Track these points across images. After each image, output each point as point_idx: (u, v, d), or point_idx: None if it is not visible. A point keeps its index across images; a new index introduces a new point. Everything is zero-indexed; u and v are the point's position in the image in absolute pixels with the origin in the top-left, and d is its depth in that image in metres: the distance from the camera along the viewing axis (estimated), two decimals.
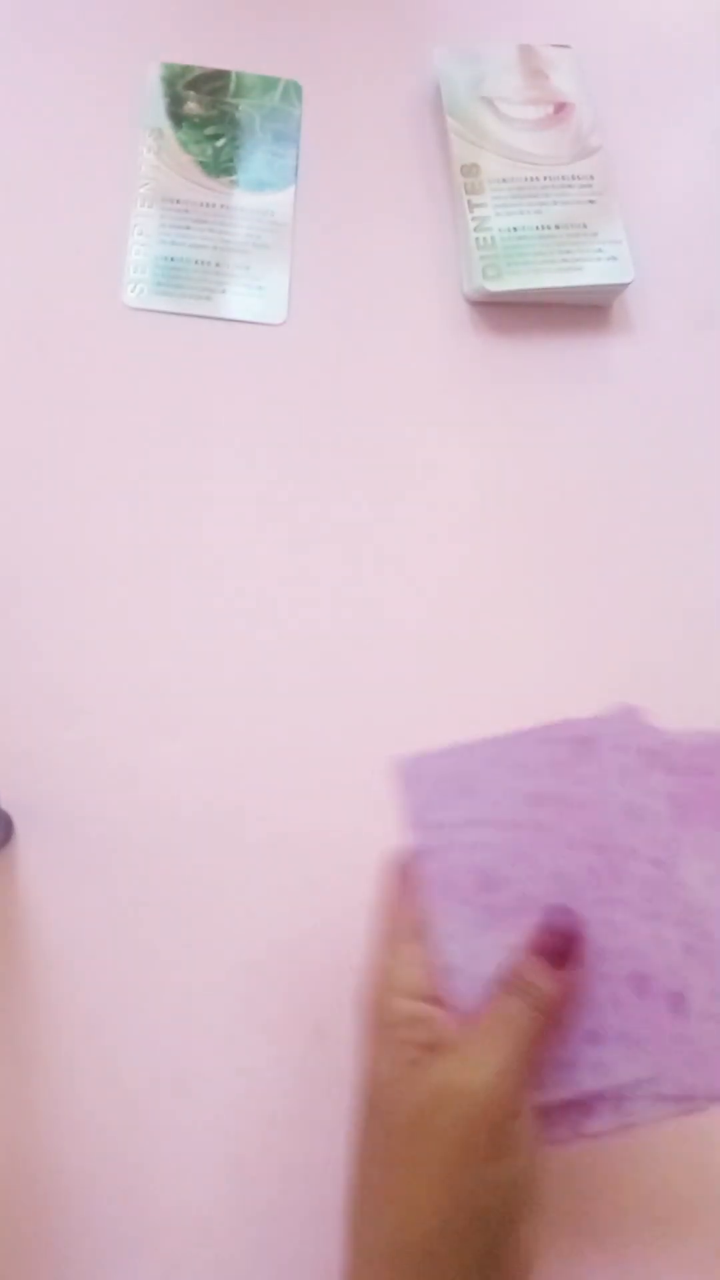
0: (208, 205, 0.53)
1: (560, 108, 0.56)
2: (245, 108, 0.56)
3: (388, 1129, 0.30)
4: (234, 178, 0.54)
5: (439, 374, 0.51)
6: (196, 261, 0.52)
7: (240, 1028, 0.40)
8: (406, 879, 0.34)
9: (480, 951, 0.32)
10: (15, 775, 0.42)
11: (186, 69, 0.56)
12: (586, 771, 0.34)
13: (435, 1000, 0.32)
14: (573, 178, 0.54)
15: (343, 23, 0.58)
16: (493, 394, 0.51)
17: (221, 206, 0.53)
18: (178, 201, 0.53)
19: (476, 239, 0.52)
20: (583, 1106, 0.31)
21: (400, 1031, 0.31)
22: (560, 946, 0.32)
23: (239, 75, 0.56)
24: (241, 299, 0.52)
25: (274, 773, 0.44)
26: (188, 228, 0.53)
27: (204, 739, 0.44)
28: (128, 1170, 0.38)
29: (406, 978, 0.32)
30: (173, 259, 0.52)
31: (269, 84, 0.56)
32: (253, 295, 0.52)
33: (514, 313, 0.53)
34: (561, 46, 0.57)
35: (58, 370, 0.49)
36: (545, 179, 0.54)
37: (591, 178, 0.54)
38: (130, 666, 0.45)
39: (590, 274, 0.52)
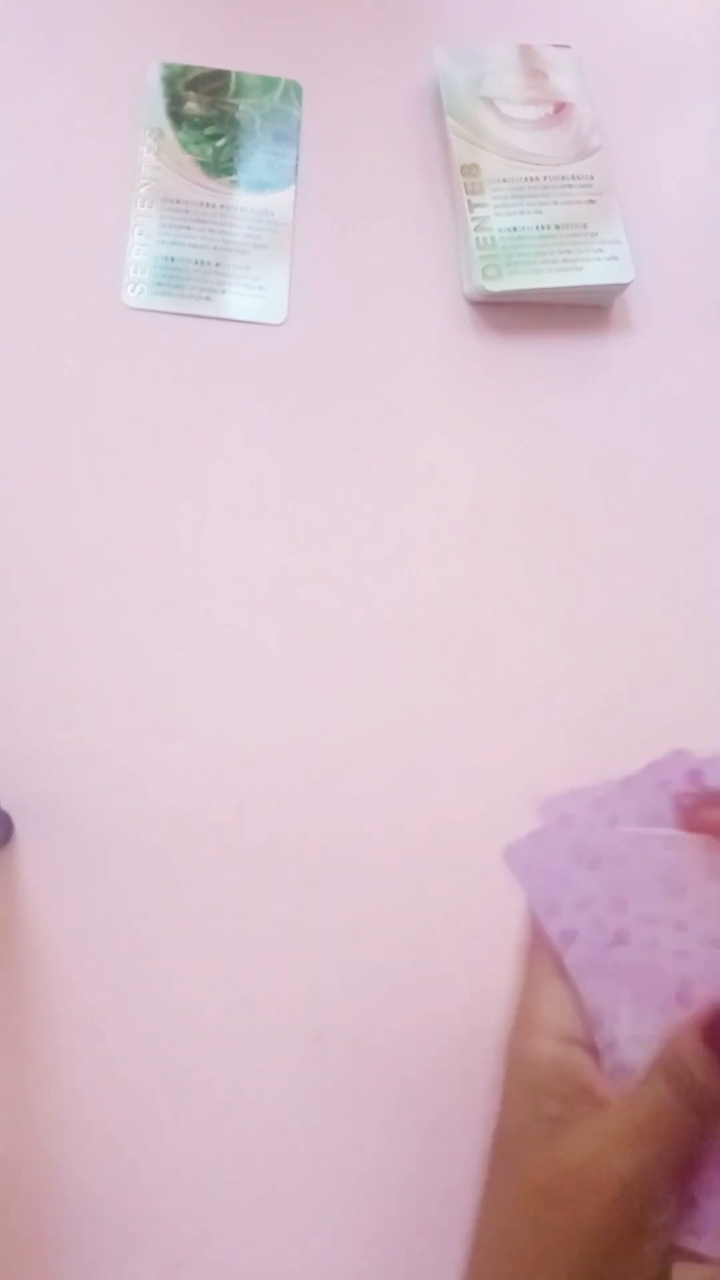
0: (208, 205, 0.53)
1: (560, 108, 0.56)
2: (245, 108, 0.56)
3: (517, 1189, 0.28)
4: (234, 178, 0.54)
5: (439, 374, 0.51)
6: (196, 261, 0.52)
7: (240, 1028, 0.40)
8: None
9: (644, 1028, 0.29)
10: (15, 775, 0.42)
11: (186, 69, 0.56)
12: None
13: (582, 1044, 0.29)
14: (573, 178, 0.54)
15: (343, 23, 0.58)
16: (493, 394, 0.51)
17: (221, 206, 0.53)
18: (178, 201, 0.53)
19: (476, 239, 0.52)
20: None
21: (541, 1078, 0.28)
22: None
23: (239, 75, 0.56)
24: (241, 299, 0.52)
25: (274, 773, 0.44)
26: (188, 228, 0.53)
27: (204, 739, 0.44)
28: (128, 1170, 0.38)
29: (552, 1016, 0.29)
30: (173, 259, 0.52)
31: (269, 84, 0.56)
32: (253, 295, 0.52)
33: (514, 313, 0.53)
34: (561, 46, 0.57)
35: (58, 370, 0.49)
36: (545, 179, 0.54)
37: (591, 178, 0.54)
38: (130, 667, 0.45)
39: (590, 274, 0.52)
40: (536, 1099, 0.28)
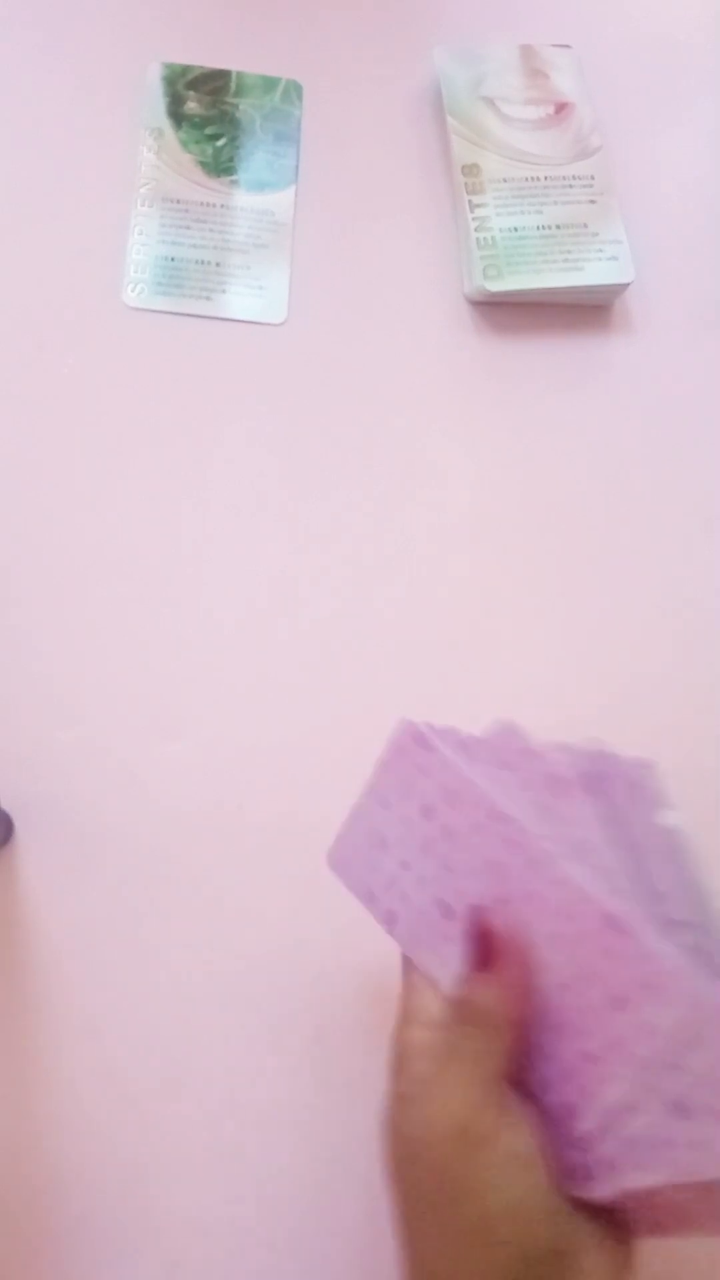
0: (208, 205, 0.53)
1: (560, 108, 0.56)
2: (245, 108, 0.56)
3: (386, 1168, 0.29)
4: (234, 178, 0.54)
5: (439, 374, 0.51)
6: (197, 261, 0.52)
7: (240, 1028, 0.40)
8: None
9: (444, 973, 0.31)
10: (15, 775, 0.42)
11: (186, 69, 0.56)
12: (428, 761, 0.33)
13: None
14: (573, 178, 0.54)
15: (343, 23, 0.58)
16: (493, 394, 0.51)
17: (222, 206, 0.53)
18: (178, 201, 0.53)
19: (477, 239, 0.52)
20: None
21: (406, 1061, 0.30)
22: (482, 948, 0.30)
23: (239, 75, 0.56)
24: (241, 299, 0.52)
25: (274, 773, 0.44)
26: (188, 228, 0.53)
27: (204, 739, 0.44)
28: (128, 1170, 0.38)
29: (419, 1005, 0.31)
30: (173, 259, 0.52)
31: (269, 84, 0.56)
32: (253, 295, 0.52)
33: (514, 313, 0.53)
34: (561, 46, 0.57)
35: (58, 370, 0.49)
36: (545, 179, 0.54)
37: (591, 178, 0.54)
38: (130, 667, 0.45)
39: (591, 274, 0.52)
40: (395, 1080, 0.30)
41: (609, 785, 0.34)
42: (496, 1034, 0.29)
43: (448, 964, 0.31)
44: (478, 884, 0.31)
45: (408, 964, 0.33)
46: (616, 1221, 0.28)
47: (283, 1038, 0.40)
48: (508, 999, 0.29)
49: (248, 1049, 0.40)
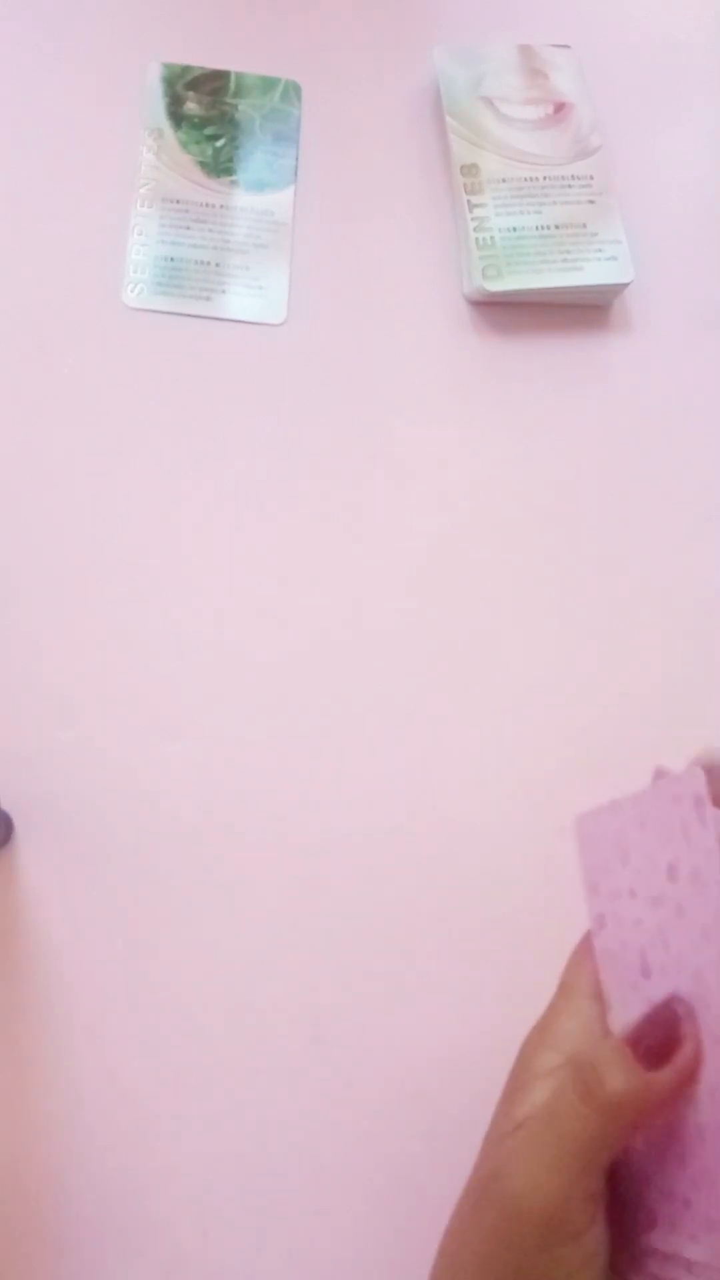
0: (208, 205, 0.53)
1: (560, 108, 0.56)
2: (245, 108, 0.56)
3: (468, 1182, 0.28)
4: (234, 178, 0.54)
5: (439, 374, 0.51)
6: (196, 261, 0.52)
7: (239, 1029, 0.40)
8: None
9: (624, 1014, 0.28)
10: (15, 775, 0.42)
11: (186, 69, 0.56)
12: (697, 831, 0.29)
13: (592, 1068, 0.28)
14: (573, 178, 0.54)
15: (343, 23, 0.58)
16: (493, 394, 0.51)
17: (221, 206, 0.53)
18: (178, 201, 0.53)
19: (476, 239, 0.52)
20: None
21: (527, 1085, 0.28)
22: (660, 1040, 0.27)
23: (239, 75, 0.56)
24: (241, 299, 0.52)
25: (273, 773, 0.44)
26: (188, 228, 0.53)
27: (203, 739, 0.44)
28: (128, 1170, 0.38)
29: (567, 1030, 0.29)
30: (173, 259, 0.52)
31: (269, 84, 0.56)
32: (253, 295, 0.52)
33: (514, 313, 0.53)
34: (561, 46, 0.57)
35: (58, 370, 0.49)
36: (545, 179, 0.54)
37: (591, 178, 0.54)
38: (130, 667, 0.45)
39: (590, 274, 0.52)
40: (510, 1102, 0.28)
41: None
42: (623, 1123, 0.26)
43: (622, 1011, 0.29)
44: (675, 972, 0.28)
45: (575, 981, 0.30)
46: None
47: (283, 1038, 0.40)
48: (654, 1098, 0.26)
49: (248, 1049, 0.40)
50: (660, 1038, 0.27)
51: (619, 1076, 0.26)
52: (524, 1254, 0.26)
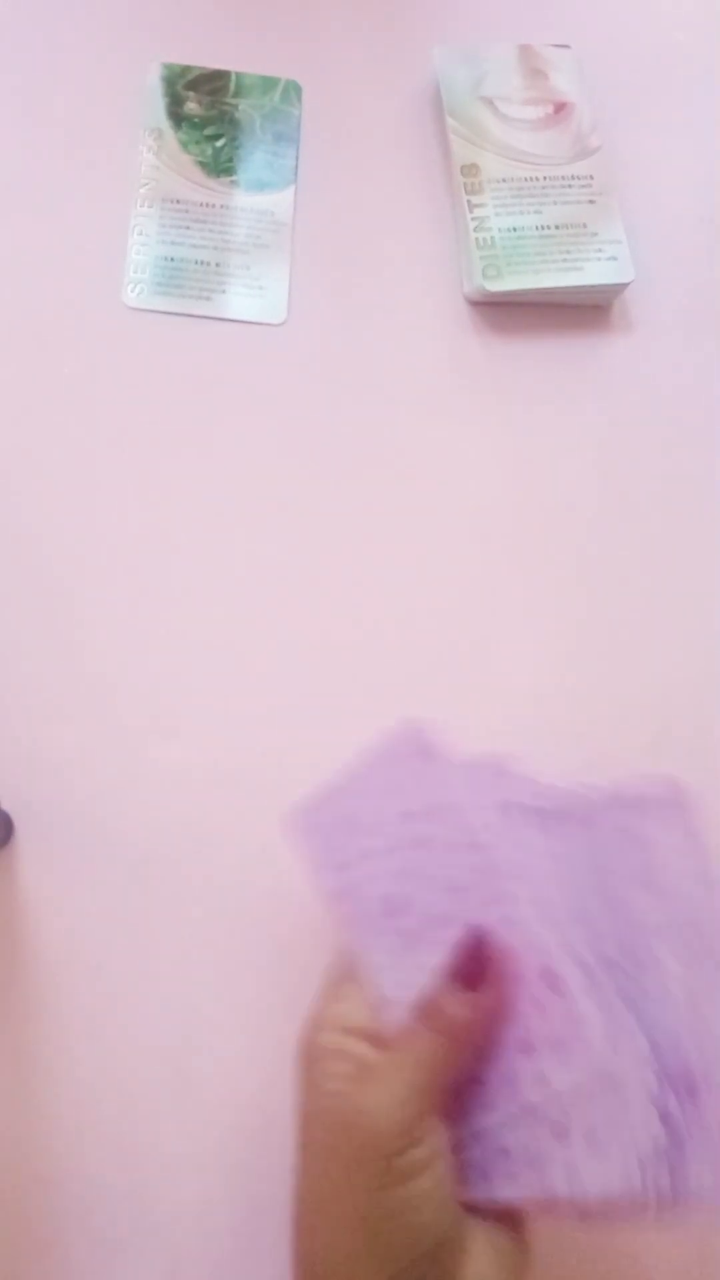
0: (208, 205, 0.53)
1: (560, 108, 0.56)
2: (245, 108, 0.56)
3: (306, 1157, 0.31)
4: (234, 178, 0.54)
5: (439, 374, 0.51)
6: (196, 261, 0.52)
7: (240, 1028, 0.40)
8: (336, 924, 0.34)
9: (407, 978, 0.32)
10: (15, 775, 0.42)
11: (186, 69, 0.56)
12: (424, 770, 0.34)
13: (369, 1036, 0.31)
14: (573, 178, 0.54)
15: (343, 23, 0.58)
16: (493, 394, 0.51)
17: (221, 206, 0.53)
18: (178, 201, 0.53)
19: (476, 239, 0.52)
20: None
21: (324, 1064, 0.31)
22: (471, 967, 0.31)
23: (239, 75, 0.56)
24: (241, 299, 0.52)
25: (274, 773, 0.44)
26: (188, 228, 0.53)
27: (203, 739, 0.44)
28: (128, 1170, 0.38)
29: (337, 1014, 0.32)
30: (173, 259, 0.52)
31: (269, 84, 0.56)
32: (253, 295, 0.52)
33: (514, 313, 0.53)
34: (561, 46, 0.57)
35: (58, 370, 0.49)
36: (545, 179, 0.54)
37: (591, 178, 0.54)
38: (130, 666, 0.45)
39: (590, 274, 0.52)
40: (316, 1081, 0.31)
41: (597, 826, 0.34)
42: (458, 1049, 0.30)
43: (394, 958, 0.32)
44: (437, 899, 0.32)
45: (337, 972, 0.34)
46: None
47: (283, 1038, 0.40)
48: (482, 1023, 0.31)
49: (248, 1049, 0.40)
50: (474, 967, 0.31)
51: (455, 1004, 0.30)
52: (388, 1180, 0.28)
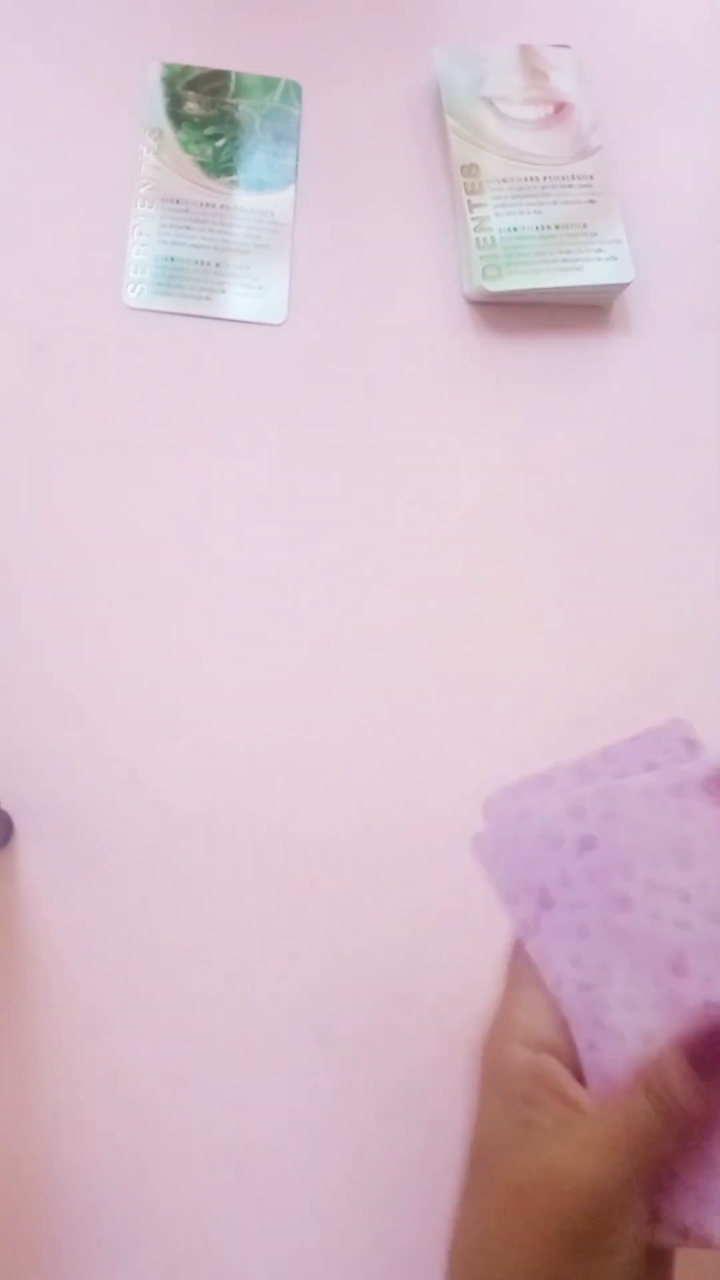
0: (208, 205, 0.53)
1: (560, 108, 0.56)
2: (245, 108, 0.56)
3: (491, 1191, 0.28)
4: (234, 178, 0.54)
5: (439, 374, 0.51)
6: (196, 261, 0.52)
7: (240, 1027, 0.40)
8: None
9: (614, 1015, 0.29)
10: (15, 775, 0.42)
11: (186, 69, 0.56)
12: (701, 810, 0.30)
13: (558, 1052, 0.29)
14: (573, 178, 0.54)
15: (343, 23, 0.58)
16: (493, 394, 0.51)
17: (221, 206, 0.53)
18: (178, 201, 0.53)
19: (476, 239, 0.52)
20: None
21: (516, 1084, 0.29)
22: (707, 1051, 0.28)
23: (239, 75, 0.56)
24: (241, 299, 0.52)
25: (275, 772, 0.44)
26: (188, 228, 0.53)
27: (204, 739, 0.44)
28: (128, 1170, 0.38)
29: (527, 1024, 0.30)
30: (173, 259, 0.52)
31: (269, 84, 0.56)
32: (253, 295, 0.52)
33: (514, 313, 0.53)
34: (561, 46, 0.57)
35: (58, 370, 0.49)
36: (545, 179, 0.54)
37: (591, 178, 0.54)
38: (130, 666, 0.45)
39: (590, 274, 0.52)
40: (509, 1104, 0.28)
41: None
42: (677, 1132, 0.28)
43: (619, 970, 0.30)
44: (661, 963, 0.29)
45: (518, 976, 0.31)
46: None
47: (283, 1037, 0.40)
48: (703, 1117, 0.28)
49: (248, 1049, 0.40)
50: (712, 1053, 0.28)
51: (682, 1084, 0.27)
52: (586, 1249, 0.27)
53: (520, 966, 0.31)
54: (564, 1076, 0.28)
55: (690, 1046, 0.28)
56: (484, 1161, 0.29)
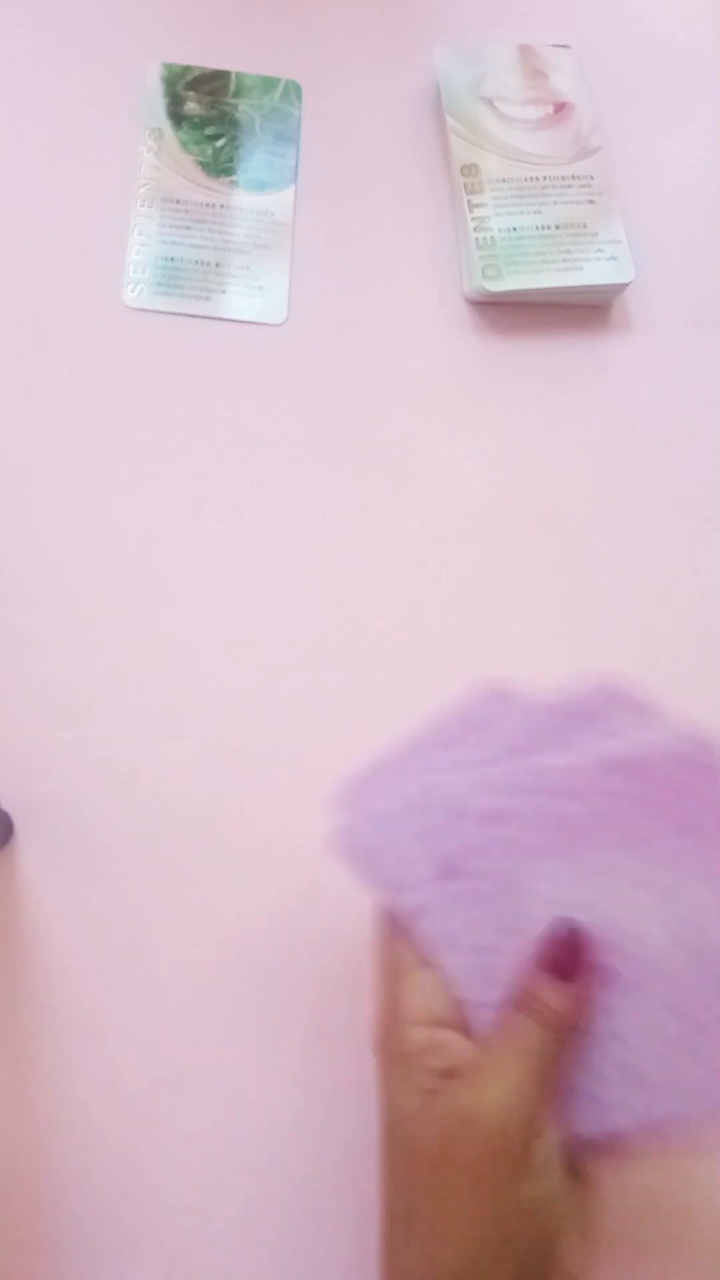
0: (208, 205, 0.53)
1: (560, 108, 0.56)
2: (245, 108, 0.56)
3: (411, 1159, 0.29)
4: (234, 178, 0.54)
5: (439, 374, 0.51)
6: (196, 261, 0.52)
7: (240, 1028, 0.40)
8: (397, 923, 0.33)
9: (489, 972, 0.31)
10: (15, 775, 0.42)
11: (186, 69, 0.56)
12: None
13: (452, 1025, 0.31)
14: (573, 178, 0.54)
15: (343, 23, 0.58)
16: (493, 394, 0.51)
17: (221, 206, 0.53)
18: (178, 201, 0.53)
19: (476, 239, 0.52)
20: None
21: (416, 1060, 0.30)
22: (566, 958, 0.31)
23: (239, 75, 0.56)
24: (241, 299, 0.52)
25: (275, 773, 0.44)
26: (188, 228, 0.53)
27: (204, 739, 0.44)
28: (128, 1170, 0.38)
29: (419, 1005, 0.31)
30: (173, 259, 0.52)
31: (269, 84, 0.56)
32: (253, 295, 0.52)
33: (514, 313, 0.53)
34: (561, 46, 0.57)
35: (58, 370, 0.49)
36: (545, 179, 0.54)
37: (591, 178, 0.54)
38: (130, 666, 0.45)
39: (590, 274, 0.52)
40: (410, 1078, 0.30)
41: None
42: (559, 1039, 0.30)
43: (467, 957, 0.32)
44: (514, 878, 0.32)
45: (402, 961, 0.32)
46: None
47: (283, 1038, 0.40)
48: (582, 1012, 0.30)
49: (248, 1049, 0.40)
50: (569, 958, 0.31)
51: (554, 995, 0.30)
52: (514, 1178, 0.28)
53: (399, 953, 0.32)
54: (461, 1043, 0.30)
55: (548, 958, 0.31)
56: (397, 1134, 0.30)
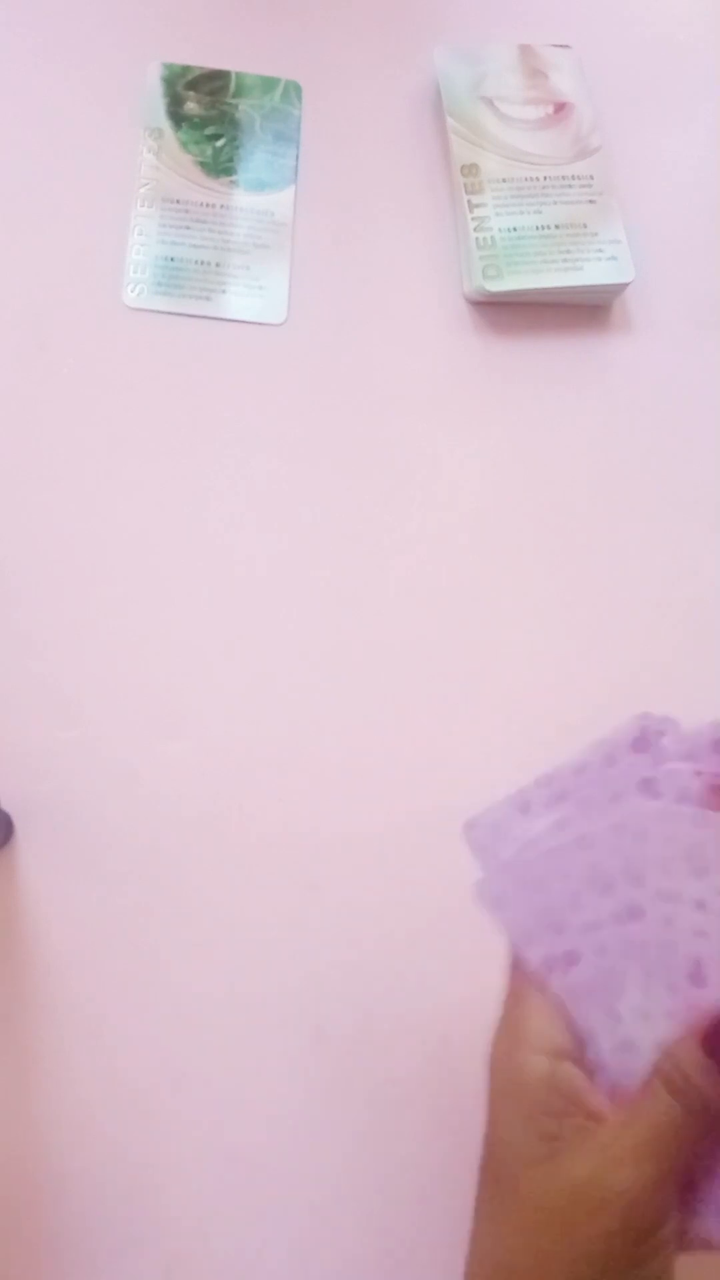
0: (208, 205, 0.53)
1: (560, 108, 0.56)
2: (245, 108, 0.56)
3: (516, 1210, 0.28)
4: (234, 178, 0.54)
5: (439, 374, 0.51)
6: (196, 261, 0.52)
7: (240, 1028, 0.40)
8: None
9: (626, 1027, 0.29)
10: (15, 775, 0.42)
11: (186, 69, 0.56)
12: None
13: (573, 1058, 0.29)
14: (573, 178, 0.54)
15: (343, 23, 0.58)
16: (493, 394, 0.51)
17: (221, 206, 0.53)
18: (178, 201, 0.53)
19: (476, 239, 0.52)
20: None
21: (533, 1094, 0.28)
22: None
23: (239, 75, 0.56)
24: (241, 299, 0.52)
25: (274, 773, 0.44)
26: (188, 228, 0.53)
27: (204, 739, 0.44)
28: (128, 1170, 0.38)
29: (540, 1030, 0.29)
30: (173, 259, 0.52)
31: (269, 84, 0.56)
32: (253, 295, 0.52)
33: (514, 313, 0.53)
34: (561, 46, 0.57)
35: (58, 370, 0.49)
36: (545, 179, 0.54)
37: (591, 178, 0.54)
38: (130, 666, 0.45)
39: (590, 274, 0.52)
40: (529, 1115, 0.28)
41: None
42: (697, 1125, 0.27)
43: (632, 980, 0.29)
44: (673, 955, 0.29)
45: (527, 982, 0.30)
46: None
47: (283, 1038, 0.40)
48: None
49: (248, 1049, 0.40)
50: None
51: (703, 1075, 0.27)
52: (620, 1264, 0.26)
53: (525, 974, 0.30)
54: (582, 1083, 0.28)
55: (704, 1037, 0.27)
56: (504, 1177, 0.28)
